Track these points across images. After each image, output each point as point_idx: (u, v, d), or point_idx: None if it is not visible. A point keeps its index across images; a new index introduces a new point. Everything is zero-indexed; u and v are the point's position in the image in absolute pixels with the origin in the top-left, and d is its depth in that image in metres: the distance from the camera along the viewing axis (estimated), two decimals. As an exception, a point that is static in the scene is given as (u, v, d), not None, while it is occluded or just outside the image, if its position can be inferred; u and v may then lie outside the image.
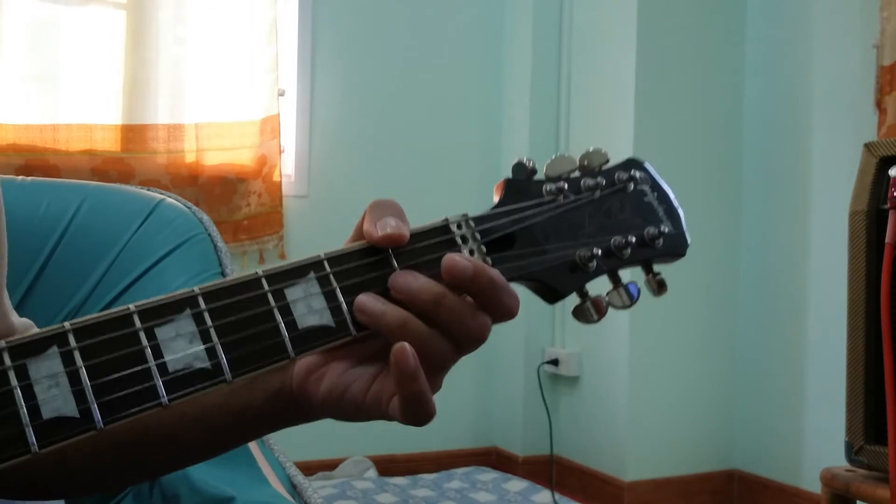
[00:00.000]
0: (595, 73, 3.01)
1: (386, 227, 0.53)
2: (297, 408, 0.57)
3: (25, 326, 0.71)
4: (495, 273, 0.53)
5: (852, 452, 1.29)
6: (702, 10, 2.91)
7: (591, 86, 3.02)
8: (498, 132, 3.27)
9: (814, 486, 2.16)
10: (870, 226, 1.27)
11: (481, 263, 0.53)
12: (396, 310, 0.52)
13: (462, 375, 3.14)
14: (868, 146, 1.29)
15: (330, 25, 3.06)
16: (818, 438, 2.62)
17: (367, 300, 0.52)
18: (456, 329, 0.53)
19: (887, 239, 1.21)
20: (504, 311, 0.54)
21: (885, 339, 1.20)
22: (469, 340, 0.54)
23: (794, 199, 2.75)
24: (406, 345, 0.51)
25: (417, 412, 0.52)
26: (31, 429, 0.44)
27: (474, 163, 3.24)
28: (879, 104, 2.40)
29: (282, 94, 2.92)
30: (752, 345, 2.89)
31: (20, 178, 1.10)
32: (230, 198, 2.85)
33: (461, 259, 0.52)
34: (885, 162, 1.26)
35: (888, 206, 1.22)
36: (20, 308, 0.98)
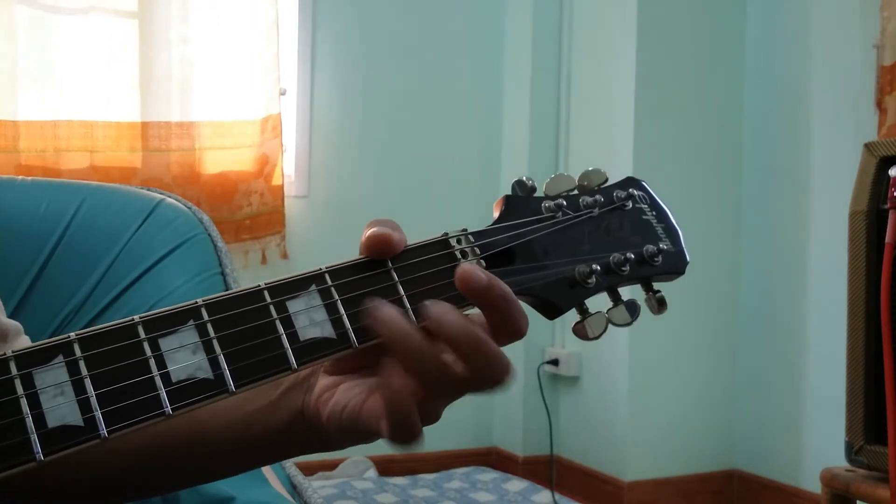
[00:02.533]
0: (595, 75, 3.01)
1: (371, 233, 0.54)
2: (313, 431, 0.57)
3: (15, 330, 0.70)
4: (508, 288, 0.53)
5: (852, 452, 1.29)
6: (702, 11, 2.91)
7: (591, 87, 3.02)
8: (498, 131, 3.27)
9: (814, 486, 2.16)
10: (870, 226, 1.27)
11: (496, 277, 0.52)
12: (422, 341, 0.51)
13: (462, 375, 3.14)
14: (868, 146, 1.29)
15: (330, 25, 3.06)
16: (818, 438, 2.62)
17: (394, 317, 0.51)
18: (478, 370, 0.52)
19: (887, 239, 1.21)
20: (514, 328, 0.53)
21: (885, 339, 1.20)
22: (487, 382, 0.53)
23: (794, 199, 2.75)
24: (395, 362, 0.50)
25: (401, 432, 0.52)
26: (36, 437, 0.45)
27: (474, 162, 3.24)
28: (880, 104, 2.40)
29: (282, 93, 2.92)
30: (752, 345, 2.89)
31: (20, 177, 1.10)
32: (231, 197, 2.85)
33: (477, 270, 0.52)
34: (885, 162, 1.26)
35: (888, 206, 1.22)
36: (20, 308, 0.98)
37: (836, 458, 1.34)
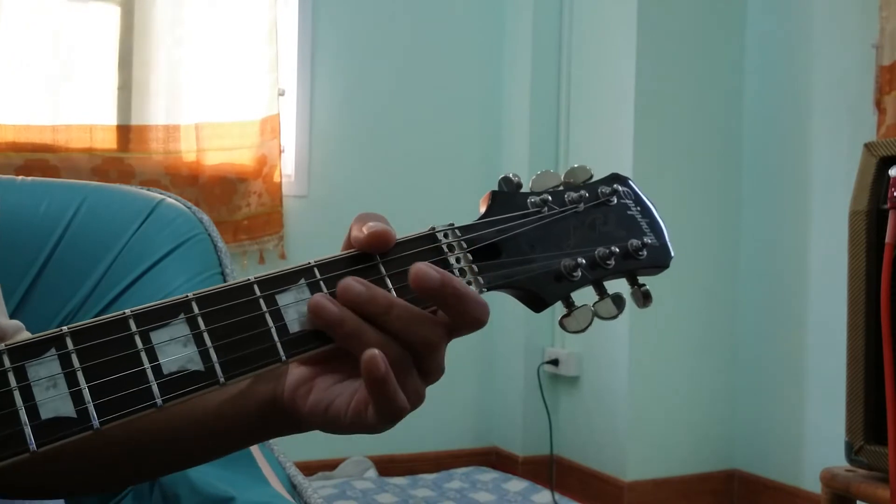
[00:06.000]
0: (595, 73, 3.01)
1: (371, 228, 0.54)
2: (286, 419, 0.58)
3: (15, 329, 0.71)
4: (461, 284, 0.54)
5: (852, 452, 1.29)
6: (702, 11, 2.91)
7: (592, 86, 3.02)
8: (498, 132, 3.27)
9: (814, 486, 2.16)
10: (870, 226, 1.27)
11: (449, 275, 0.53)
12: (353, 318, 0.52)
13: (462, 375, 3.14)
14: (868, 146, 1.29)
15: (330, 25, 3.06)
16: (818, 438, 2.62)
17: (323, 303, 0.52)
18: (406, 336, 0.53)
19: (887, 239, 1.21)
20: (471, 321, 0.54)
21: (885, 339, 1.20)
22: (421, 344, 0.54)
23: (794, 199, 2.75)
24: (375, 352, 0.51)
25: (390, 411, 0.53)
26: (29, 428, 0.46)
27: (474, 163, 3.24)
28: (879, 104, 2.40)
29: (282, 94, 2.92)
30: (752, 345, 2.89)
31: (20, 178, 1.10)
32: (230, 198, 2.85)
33: (429, 269, 0.53)
34: (885, 162, 1.26)
35: (888, 206, 1.22)
36: (20, 308, 0.98)
37: (836, 458, 1.34)
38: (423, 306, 0.54)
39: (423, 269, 0.53)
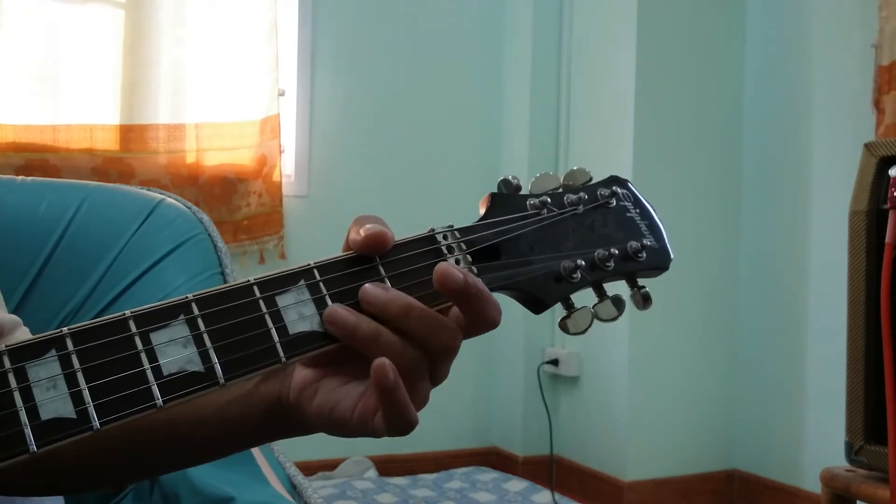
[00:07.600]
0: (595, 74, 3.01)
1: (368, 230, 0.55)
2: (291, 420, 0.58)
3: (13, 324, 0.71)
4: (482, 284, 0.54)
5: (852, 452, 1.29)
6: (702, 11, 2.91)
7: (591, 86, 3.02)
8: (498, 132, 3.27)
9: (814, 486, 2.16)
10: (870, 226, 1.27)
11: (472, 275, 0.54)
12: (370, 323, 0.52)
13: (462, 375, 3.14)
14: (868, 146, 1.29)
15: (330, 25, 3.06)
16: (818, 438, 2.62)
17: (339, 311, 0.52)
18: (426, 340, 0.53)
19: (887, 239, 1.21)
20: (488, 321, 0.55)
21: (885, 339, 1.20)
22: (440, 350, 0.54)
23: (794, 199, 2.75)
24: (385, 360, 0.51)
25: (400, 423, 0.54)
26: (29, 429, 0.46)
27: (474, 162, 3.24)
28: (877, 104, 2.40)
29: (282, 94, 2.92)
30: (752, 345, 2.89)
31: (20, 178, 1.10)
32: (230, 198, 2.85)
33: (454, 269, 0.53)
34: (885, 162, 1.26)
35: (888, 206, 1.22)
36: (20, 308, 0.98)
37: (836, 458, 1.34)
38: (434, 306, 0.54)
39: (447, 268, 0.53)
